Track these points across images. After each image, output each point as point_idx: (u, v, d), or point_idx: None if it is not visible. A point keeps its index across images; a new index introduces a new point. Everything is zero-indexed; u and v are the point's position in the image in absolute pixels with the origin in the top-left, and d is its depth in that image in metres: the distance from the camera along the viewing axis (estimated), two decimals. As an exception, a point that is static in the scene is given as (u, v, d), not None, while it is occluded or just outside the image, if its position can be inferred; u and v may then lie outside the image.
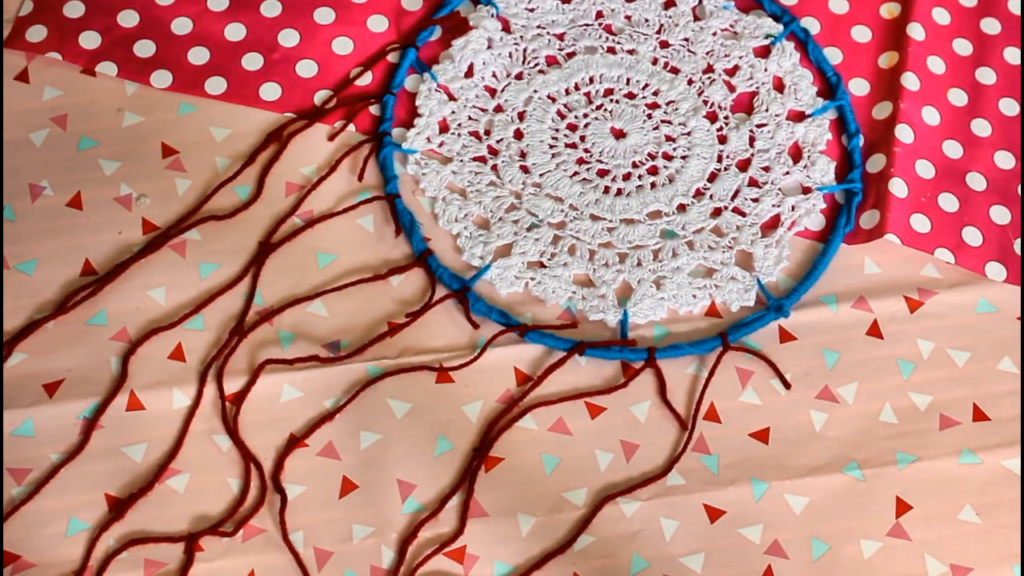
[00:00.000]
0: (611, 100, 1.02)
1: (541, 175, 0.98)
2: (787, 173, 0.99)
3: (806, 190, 0.99)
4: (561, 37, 1.05)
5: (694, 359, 0.93)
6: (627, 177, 0.99)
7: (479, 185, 0.98)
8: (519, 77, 1.03)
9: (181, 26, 1.03)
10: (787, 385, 0.91)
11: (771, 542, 0.87)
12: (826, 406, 0.91)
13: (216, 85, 1.01)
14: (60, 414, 0.89)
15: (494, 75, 1.03)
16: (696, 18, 1.06)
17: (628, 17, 1.06)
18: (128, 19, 1.03)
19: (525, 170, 0.99)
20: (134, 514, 0.86)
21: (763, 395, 0.91)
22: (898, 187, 0.97)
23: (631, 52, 1.04)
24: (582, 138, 1.00)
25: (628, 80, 1.03)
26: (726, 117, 1.02)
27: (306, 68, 1.02)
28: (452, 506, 0.87)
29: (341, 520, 0.86)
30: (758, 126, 1.01)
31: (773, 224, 0.98)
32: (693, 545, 0.86)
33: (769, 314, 0.93)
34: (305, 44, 1.03)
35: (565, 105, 1.02)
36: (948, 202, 0.98)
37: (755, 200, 0.98)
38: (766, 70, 1.04)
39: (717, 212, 0.98)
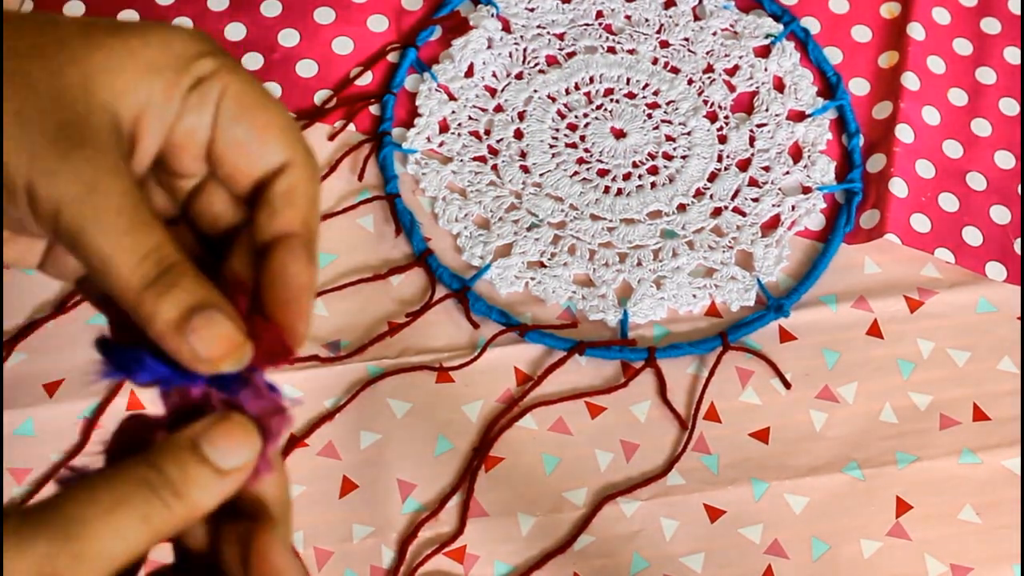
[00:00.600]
0: (611, 100, 1.02)
1: (541, 175, 0.99)
2: (787, 173, 0.99)
3: (806, 190, 0.99)
4: (561, 37, 1.05)
5: (694, 359, 0.93)
6: (627, 177, 0.99)
7: (479, 185, 0.98)
8: (519, 77, 1.03)
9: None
10: (787, 385, 0.91)
11: (771, 542, 0.87)
12: (826, 406, 0.91)
13: (216, 85, 1.01)
14: (60, 414, 0.89)
15: (494, 75, 1.03)
16: (696, 18, 1.06)
17: (628, 17, 1.06)
18: (128, 19, 1.03)
19: (525, 170, 0.99)
20: (134, 514, 0.86)
21: (763, 395, 0.91)
22: (898, 187, 0.97)
23: (631, 52, 1.04)
24: (582, 138, 1.00)
25: (628, 80, 1.03)
26: (726, 117, 1.02)
27: (306, 68, 1.02)
28: (452, 506, 0.87)
29: (341, 520, 0.86)
30: (758, 126, 1.01)
31: (773, 224, 0.98)
32: (693, 545, 0.86)
33: (769, 314, 0.94)
34: (305, 44, 1.03)
35: (565, 105, 1.02)
36: (948, 202, 0.98)
37: (755, 200, 0.98)
38: (766, 70, 1.04)
39: (717, 212, 0.98)
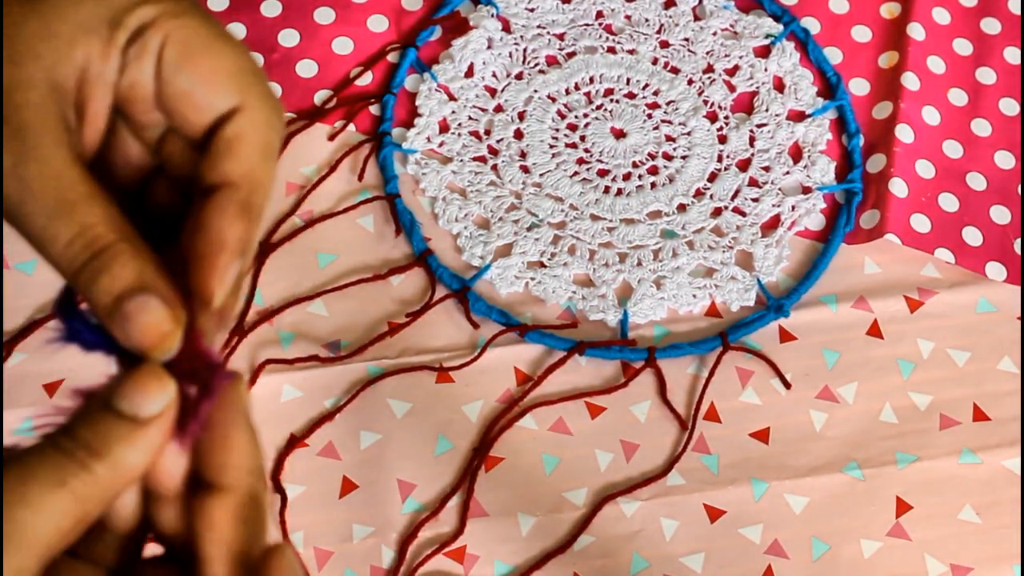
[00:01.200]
0: (611, 100, 1.02)
1: (541, 175, 0.99)
2: (787, 173, 0.99)
3: (806, 190, 0.99)
4: (561, 37, 1.05)
5: (694, 359, 0.93)
6: (627, 177, 0.99)
7: (479, 185, 0.98)
8: (519, 77, 1.03)
9: (181, 26, 1.03)
10: (787, 385, 0.91)
11: (771, 542, 0.87)
12: (826, 406, 0.91)
13: (216, 85, 1.01)
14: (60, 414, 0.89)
15: (494, 75, 1.03)
16: (696, 18, 1.06)
17: (628, 17, 1.06)
18: (128, 19, 1.03)
19: (525, 170, 0.99)
20: (134, 514, 0.86)
21: (763, 395, 0.91)
22: (898, 187, 0.97)
23: (631, 52, 1.04)
24: (582, 138, 1.00)
25: (628, 80, 1.03)
26: (726, 117, 1.02)
27: (306, 68, 1.02)
28: (452, 506, 0.87)
29: (341, 520, 0.86)
30: (758, 126, 1.01)
31: (773, 224, 0.98)
32: (693, 545, 0.86)
33: (769, 314, 0.94)
34: (305, 44, 1.03)
35: (565, 105, 1.02)
36: (948, 202, 0.98)
37: (755, 200, 0.98)
38: (766, 70, 1.04)
39: (717, 212, 0.98)
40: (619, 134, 1.01)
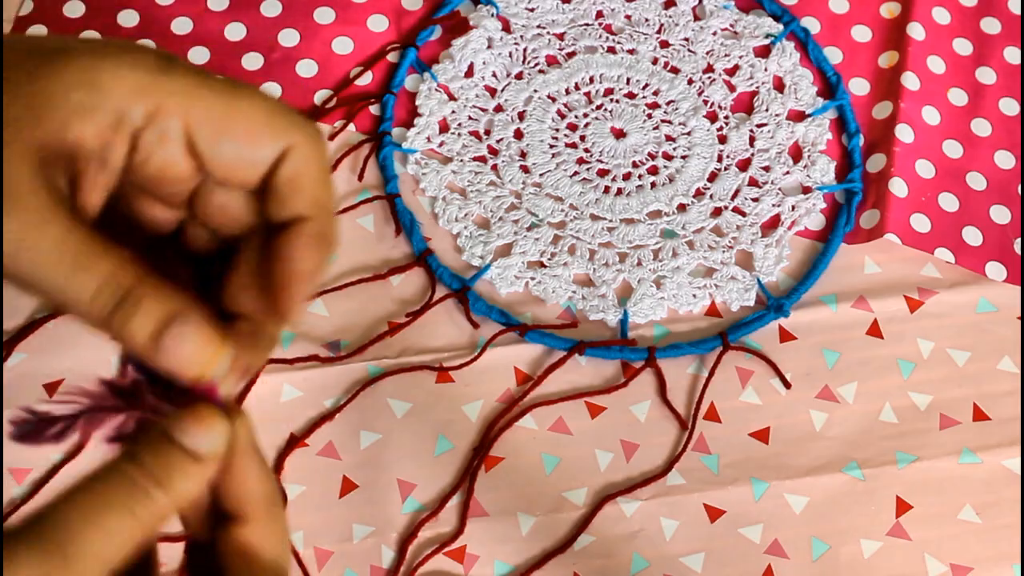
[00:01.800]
0: (611, 100, 1.02)
1: (541, 175, 0.99)
2: (787, 173, 0.99)
3: (806, 190, 0.99)
4: (561, 37, 1.05)
5: (694, 359, 0.93)
6: (627, 177, 0.99)
7: (479, 185, 0.98)
8: (519, 77, 1.03)
9: (181, 26, 1.03)
10: (787, 385, 0.91)
11: (771, 542, 0.87)
12: (826, 406, 0.91)
13: (216, 85, 1.01)
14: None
15: (494, 75, 1.03)
16: (696, 18, 1.06)
17: (628, 17, 1.06)
18: (128, 19, 1.03)
19: (525, 170, 0.99)
20: (134, 514, 0.86)
21: (763, 395, 0.91)
22: (898, 187, 0.97)
23: (631, 52, 1.04)
24: (582, 138, 1.00)
25: (628, 80, 1.03)
26: (726, 117, 1.02)
27: (306, 68, 1.02)
28: (452, 506, 0.87)
29: (341, 520, 0.86)
30: (758, 126, 1.01)
31: (773, 224, 0.98)
32: (693, 545, 0.86)
33: (769, 314, 0.93)
34: (305, 44, 1.03)
35: (565, 105, 1.02)
36: (948, 202, 0.98)
37: (755, 200, 0.98)
38: (766, 70, 1.04)
39: (717, 212, 0.98)
40: (619, 134, 1.01)
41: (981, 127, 1.01)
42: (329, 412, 0.89)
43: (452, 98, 1.01)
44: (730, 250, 0.96)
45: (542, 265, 0.95)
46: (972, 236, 0.97)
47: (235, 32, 1.03)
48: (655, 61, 1.04)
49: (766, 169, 0.99)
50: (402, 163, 0.99)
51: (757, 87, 1.03)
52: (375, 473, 0.88)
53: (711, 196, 0.98)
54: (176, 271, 0.54)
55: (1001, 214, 0.98)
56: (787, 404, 0.91)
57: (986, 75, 1.04)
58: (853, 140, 1.00)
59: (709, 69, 1.04)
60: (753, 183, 0.99)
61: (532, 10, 1.05)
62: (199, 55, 1.02)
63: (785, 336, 0.93)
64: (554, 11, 1.05)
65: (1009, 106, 1.02)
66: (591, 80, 1.03)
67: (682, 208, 0.98)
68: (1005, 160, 1.00)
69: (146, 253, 0.51)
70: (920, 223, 0.96)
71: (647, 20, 1.06)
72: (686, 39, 1.05)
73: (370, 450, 0.88)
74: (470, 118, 1.01)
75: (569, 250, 0.96)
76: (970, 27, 1.05)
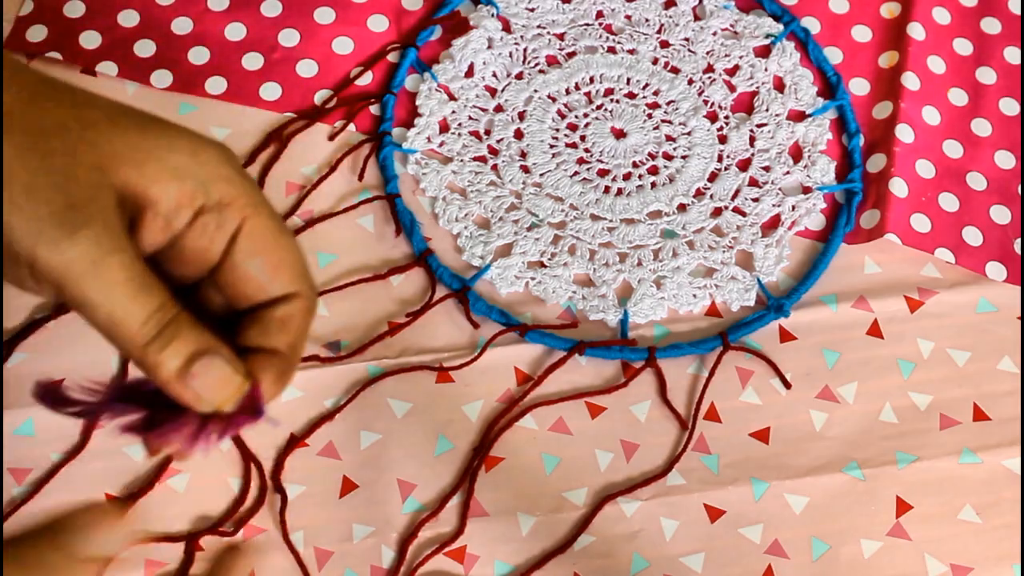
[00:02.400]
0: (611, 100, 1.02)
1: (541, 175, 0.99)
2: (787, 173, 0.99)
3: (806, 190, 0.99)
4: (561, 37, 1.05)
5: (694, 359, 0.93)
6: (627, 177, 0.99)
7: (479, 185, 0.98)
8: (519, 77, 1.03)
9: (181, 26, 1.03)
10: (787, 385, 0.91)
11: (771, 542, 0.87)
12: (826, 406, 0.91)
13: (216, 85, 1.01)
14: (60, 414, 0.88)
15: (494, 75, 1.03)
16: (696, 18, 1.06)
17: (628, 17, 1.06)
18: (128, 19, 1.03)
19: (525, 170, 0.99)
20: (134, 514, 0.86)
21: (763, 395, 0.91)
22: (898, 187, 0.97)
23: (631, 52, 1.04)
24: (582, 138, 1.00)
25: (628, 80, 1.03)
26: (726, 117, 1.02)
27: (306, 68, 1.02)
28: (452, 506, 0.87)
29: (341, 520, 0.86)
30: (758, 126, 1.01)
31: (773, 224, 0.98)
32: (693, 545, 0.86)
33: (769, 314, 0.93)
34: (305, 44, 1.03)
35: (565, 105, 1.02)
36: (948, 202, 0.98)
37: (755, 200, 0.98)
38: (766, 70, 1.04)
39: (717, 212, 0.98)
40: (619, 134, 1.01)
41: (981, 127, 1.01)
42: (329, 412, 0.89)
43: (452, 98, 1.01)
44: (730, 250, 0.96)
45: (542, 265, 0.95)
46: (972, 236, 0.97)
47: (235, 32, 1.03)
48: (655, 61, 1.04)
49: (766, 169, 1.00)
50: (402, 163, 0.99)
51: (757, 87, 1.03)
52: (375, 473, 0.88)
53: (711, 196, 0.98)
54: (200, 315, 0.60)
55: (1001, 214, 0.98)
56: (787, 404, 0.91)
57: (986, 75, 1.04)
58: (853, 140, 1.00)
59: (709, 69, 1.04)
60: (753, 183, 0.99)
61: (532, 10, 1.05)
62: (199, 55, 1.02)
63: (785, 336, 0.93)
64: (554, 11, 1.05)
65: (1009, 106, 1.02)
66: (591, 80, 1.03)
67: (682, 208, 0.98)
68: (1005, 160, 1.00)
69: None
70: (920, 223, 0.96)
71: (647, 20, 1.06)
72: (686, 39, 1.05)
73: (370, 450, 0.88)
74: (470, 118, 1.01)
75: (569, 250, 0.96)
76: (970, 27, 1.05)
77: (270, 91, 1.01)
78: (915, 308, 0.94)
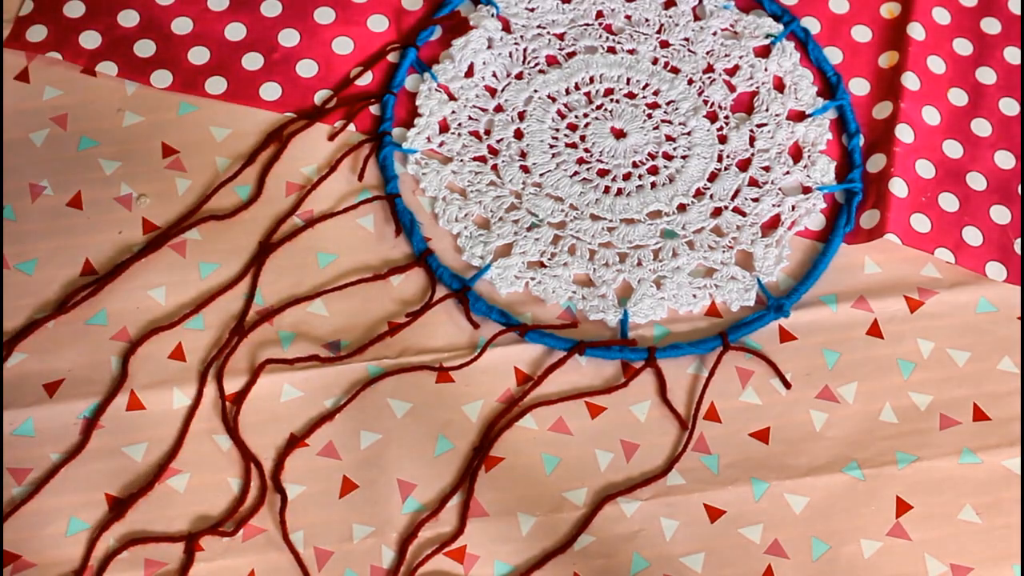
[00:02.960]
0: (611, 100, 1.02)
1: (541, 175, 0.98)
2: (787, 173, 0.99)
3: (806, 190, 0.99)
4: (561, 37, 1.05)
5: (694, 359, 0.93)
6: (627, 177, 0.99)
7: (479, 185, 0.98)
8: (519, 77, 1.03)
9: (181, 26, 1.03)
10: (787, 385, 0.91)
11: (771, 542, 0.87)
12: (826, 406, 0.91)
13: (216, 85, 1.01)
14: (60, 414, 0.89)
15: (494, 75, 1.03)
16: (696, 18, 1.06)
17: (628, 17, 1.06)
18: (128, 19, 1.03)
19: (525, 170, 0.99)
20: (134, 514, 0.86)
21: (763, 395, 0.91)
22: (898, 187, 0.97)
23: (631, 52, 1.04)
24: (582, 138, 1.00)
25: (628, 80, 1.03)
26: (726, 117, 1.02)
27: (306, 68, 1.02)
28: (452, 506, 0.87)
29: (341, 520, 0.86)
30: (758, 126, 1.01)
31: (773, 224, 0.98)
32: (693, 545, 0.86)
33: (769, 314, 0.93)
34: (305, 44, 1.03)
35: (565, 105, 1.02)
36: (948, 202, 0.98)
37: (755, 200, 0.98)
38: (766, 70, 1.04)
39: (717, 212, 0.98)
40: (619, 134, 1.01)
41: (981, 127, 1.01)
42: (329, 412, 0.89)
43: (452, 98, 1.01)
44: (730, 250, 0.96)
45: (542, 265, 0.95)
46: (972, 236, 0.97)
47: (235, 32, 1.03)
48: (655, 61, 1.04)
49: (766, 169, 0.99)
50: (402, 163, 0.99)
51: (757, 87, 1.03)
52: (375, 473, 0.88)
53: (711, 196, 0.98)
54: None
55: (1001, 214, 0.98)
56: (787, 404, 0.91)
57: (986, 75, 1.04)
58: (853, 140, 1.00)
59: (709, 69, 1.04)
60: (753, 183, 0.99)
61: (532, 10, 1.05)
62: (199, 55, 1.02)
63: (785, 336, 0.93)
64: (554, 11, 1.05)
65: (1009, 106, 1.02)
66: (591, 80, 1.03)
67: (682, 208, 0.98)
68: (1005, 160, 1.00)
69: None
70: (920, 223, 0.96)
71: (647, 20, 1.06)
72: (686, 39, 1.05)
73: (370, 450, 0.89)
74: (470, 118, 1.01)
75: (569, 250, 0.96)
76: (970, 27, 1.05)
77: (270, 91, 1.01)
78: (915, 308, 0.94)
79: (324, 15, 1.04)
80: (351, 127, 1.00)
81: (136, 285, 0.93)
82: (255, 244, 0.95)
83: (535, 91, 1.02)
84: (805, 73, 1.03)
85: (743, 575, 0.86)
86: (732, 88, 1.03)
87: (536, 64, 1.03)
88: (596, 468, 0.89)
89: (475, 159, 0.99)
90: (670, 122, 1.01)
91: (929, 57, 1.03)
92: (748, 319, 0.94)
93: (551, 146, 1.00)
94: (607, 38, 1.05)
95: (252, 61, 1.02)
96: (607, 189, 0.98)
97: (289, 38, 1.03)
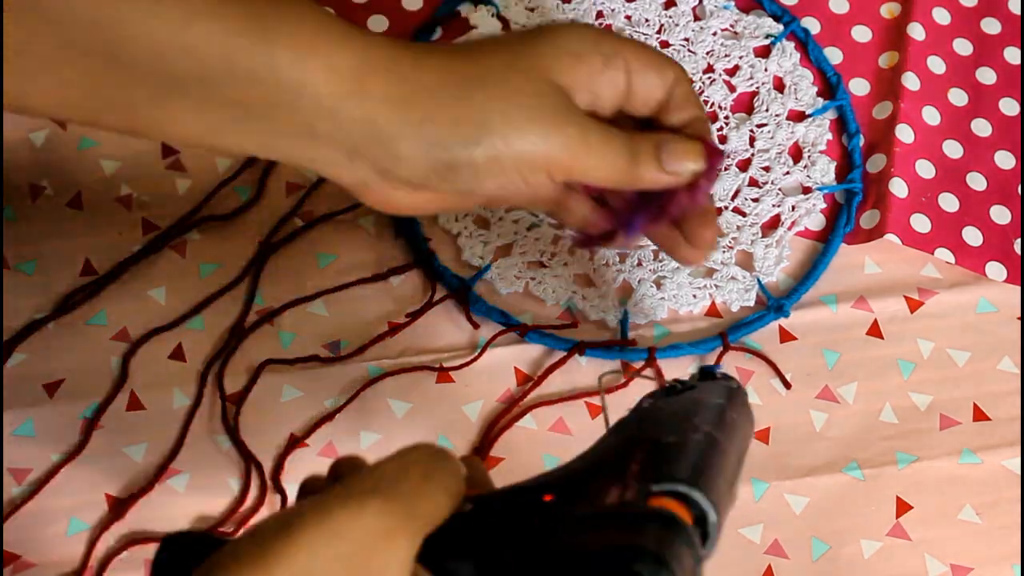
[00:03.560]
0: (611, 100, 1.02)
1: (541, 175, 0.98)
2: (787, 173, 0.99)
3: (806, 190, 0.99)
4: (561, 37, 1.05)
5: (694, 359, 0.93)
6: (627, 177, 0.99)
7: (479, 185, 0.98)
8: (519, 76, 1.03)
9: (181, 26, 1.03)
10: (787, 385, 0.91)
11: (771, 542, 0.87)
12: (826, 406, 0.91)
13: (216, 85, 1.01)
14: (60, 414, 0.89)
15: (494, 74, 1.03)
16: (696, 18, 1.06)
17: (628, 17, 1.06)
18: (128, 19, 1.03)
19: (525, 170, 0.99)
20: (134, 514, 0.86)
21: (763, 395, 0.91)
22: (898, 187, 0.97)
23: (631, 52, 1.04)
24: (582, 138, 1.00)
25: (628, 80, 1.03)
26: (726, 117, 1.02)
27: (306, 68, 1.02)
28: (452, 506, 0.87)
29: (341, 520, 0.86)
30: (758, 126, 1.01)
31: (773, 224, 0.98)
32: (693, 545, 0.86)
33: (769, 314, 0.93)
34: (305, 44, 1.03)
35: (565, 105, 1.02)
36: (948, 202, 0.98)
37: (755, 200, 0.98)
38: (766, 70, 1.03)
39: (717, 212, 0.98)
40: (619, 134, 1.00)
41: (981, 127, 1.01)
42: (329, 412, 0.89)
43: (452, 98, 1.01)
44: (730, 250, 0.96)
45: (542, 265, 0.95)
46: (972, 236, 0.97)
47: (235, 32, 1.03)
48: (655, 61, 1.04)
49: (766, 169, 0.99)
50: (402, 163, 0.99)
51: (757, 87, 1.03)
52: (375, 473, 0.88)
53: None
54: None
55: (1001, 214, 0.98)
56: (787, 404, 0.91)
57: (986, 75, 1.04)
58: (853, 140, 1.00)
59: (709, 69, 1.04)
60: (753, 183, 0.99)
61: (532, 10, 1.05)
62: (199, 55, 1.02)
63: (785, 336, 0.93)
64: (554, 11, 1.05)
65: (1009, 106, 1.02)
66: (591, 80, 1.03)
67: (682, 208, 0.98)
68: (1005, 160, 1.00)
69: None
70: (920, 223, 0.96)
71: (647, 20, 1.06)
72: (686, 39, 1.05)
73: (370, 450, 0.89)
74: (470, 118, 1.01)
75: (569, 250, 0.96)
76: (970, 27, 1.05)
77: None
78: (915, 308, 0.94)
79: (324, 15, 1.04)
80: (351, 127, 1.00)
81: (136, 285, 0.93)
82: (255, 245, 0.95)
83: (535, 91, 1.02)
84: (805, 73, 1.03)
85: (743, 575, 0.86)
86: (732, 88, 1.03)
87: (536, 64, 1.03)
88: (596, 468, 0.88)
89: (475, 159, 0.99)
90: (670, 122, 1.01)
91: (929, 57, 1.03)
92: (748, 319, 0.94)
93: (551, 146, 1.00)
94: (607, 38, 1.05)
95: (252, 61, 1.02)
96: (607, 189, 0.98)
97: (289, 38, 1.03)
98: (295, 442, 0.88)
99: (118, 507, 0.86)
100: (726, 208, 0.98)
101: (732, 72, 1.04)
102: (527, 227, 0.96)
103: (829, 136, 1.01)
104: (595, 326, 0.94)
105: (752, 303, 0.94)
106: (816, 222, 0.98)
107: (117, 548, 0.85)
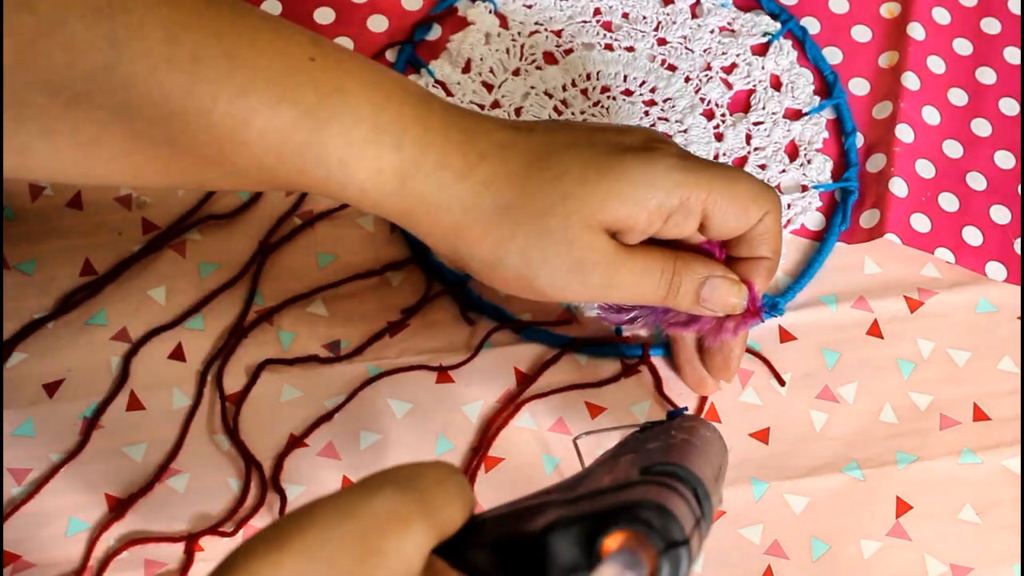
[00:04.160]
0: (608, 97, 1.02)
1: (539, 173, 0.98)
2: (784, 171, 0.99)
3: (803, 188, 0.99)
4: (559, 34, 1.05)
5: (694, 358, 0.93)
6: (626, 175, 0.99)
7: (478, 183, 0.98)
8: (516, 73, 1.03)
9: (179, 23, 1.03)
10: (781, 382, 0.91)
11: (771, 542, 0.87)
12: (826, 406, 0.91)
13: (215, 83, 1.01)
14: (60, 414, 0.88)
15: (491, 70, 1.03)
16: (694, 15, 1.06)
17: (626, 15, 1.06)
18: (125, 16, 1.03)
19: (523, 167, 0.99)
20: (134, 514, 0.86)
21: (763, 395, 0.91)
22: (898, 187, 0.97)
23: (629, 49, 1.04)
24: (580, 135, 1.00)
25: (625, 77, 1.03)
26: (723, 115, 1.02)
27: (305, 66, 1.02)
28: (453, 506, 0.87)
29: (342, 520, 0.86)
30: (755, 124, 1.01)
31: (772, 223, 0.98)
32: (694, 545, 0.86)
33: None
34: (304, 43, 1.03)
35: (562, 101, 1.02)
36: (948, 202, 0.98)
37: (753, 199, 0.98)
38: (763, 68, 1.04)
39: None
40: (617, 132, 1.01)
41: (981, 127, 1.01)
42: (329, 412, 0.89)
43: (449, 94, 1.01)
44: (729, 249, 0.96)
45: (541, 264, 0.95)
46: (972, 236, 0.97)
47: (234, 30, 1.03)
48: (652, 59, 1.04)
49: (762, 167, 1.00)
50: (401, 161, 0.98)
51: (754, 85, 1.03)
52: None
53: (710, 195, 0.98)
54: None
55: (1001, 214, 0.98)
56: (787, 404, 0.91)
57: (986, 75, 1.04)
58: (849, 139, 1.00)
59: (707, 67, 1.04)
60: (751, 182, 0.99)
61: (530, 7, 1.05)
62: (197, 52, 1.02)
63: (785, 336, 0.93)
64: (552, 8, 1.05)
65: (1009, 106, 1.02)
66: (588, 77, 1.03)
67: (681, 207, 0.98)
68: (1005, 160, 1.00)
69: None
70: (920, 223, 0.96)
71: (645, 18, 1.05)
72: (684, 37, 1.05)
73: (370, 450, 0.88)
74: (468, 115, 1.01)
75: (569, 249, 0.95)
76: (970, 27, 1.05)
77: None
78: (915, 308, 0.94)
79: (324, 15, 1.03)
80: (350, 125, 1.00)
81: (136, 285, 0.93)
82: (255, 244, 0.94)
83: (532, 87, 1.02)
84: (802, 72, 1.03)
85: (743, 575, 0.86)
86: (729, 86, 1.03)
87: (533, 60, 1.03)
88: (597, 468, 0.89)
89: (474, 157, 0.99)
90: (667, 119, 1.01)
91: (929, 57, 1.03)
92: (747, 319, 0.94)
93: (549, 144, 1.00)
94: (605, 35, 1.05)
95: (250, 59, 1.02)
96: (606, 188, 0.98)
97: (287, 36, 1.03)
98: (295, 442, 0.88)
99: (118, 507, 0.86)
100: (725, 207, 0.98)
101: (729, 70, 1.04)
102: (526, 226, 0.96)
103: (826, 134, 1.01)
104: (592, 323, 0.94)
105: (749, 302, 0.95)
106: (814, 221, 0.98)
107: (117, 548, 0.85)
